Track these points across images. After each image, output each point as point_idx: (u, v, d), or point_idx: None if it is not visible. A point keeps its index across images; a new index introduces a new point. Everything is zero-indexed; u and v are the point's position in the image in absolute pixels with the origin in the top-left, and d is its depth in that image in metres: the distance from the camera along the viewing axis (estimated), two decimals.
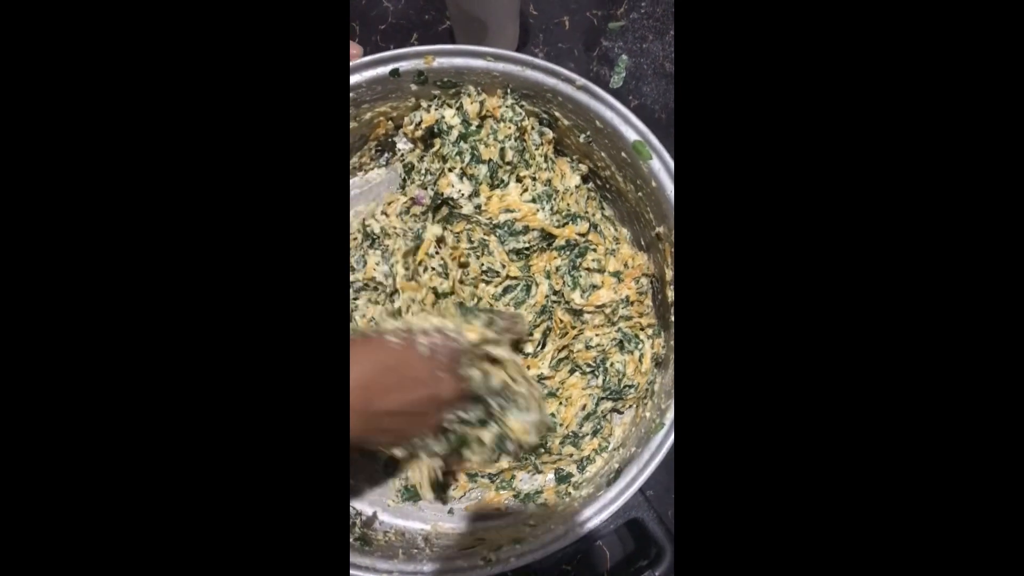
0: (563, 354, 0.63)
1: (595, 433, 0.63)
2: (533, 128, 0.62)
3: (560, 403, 0.62)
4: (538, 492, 0.62)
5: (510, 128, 0.61)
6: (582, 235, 0.62)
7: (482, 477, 0.63)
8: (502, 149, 0.61)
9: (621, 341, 0.62)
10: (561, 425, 0.62)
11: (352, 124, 0.63)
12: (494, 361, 0.50)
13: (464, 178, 0.61)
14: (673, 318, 0.60)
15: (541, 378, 0.62)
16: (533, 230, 0.62)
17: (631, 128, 0.56)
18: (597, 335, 0.62)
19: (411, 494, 0.62)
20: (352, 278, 0.63)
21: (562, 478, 0.62)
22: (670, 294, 0.60)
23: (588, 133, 0.60)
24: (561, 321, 0.63)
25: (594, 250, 0.63)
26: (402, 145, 0.68)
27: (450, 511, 0.62)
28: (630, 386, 0.62)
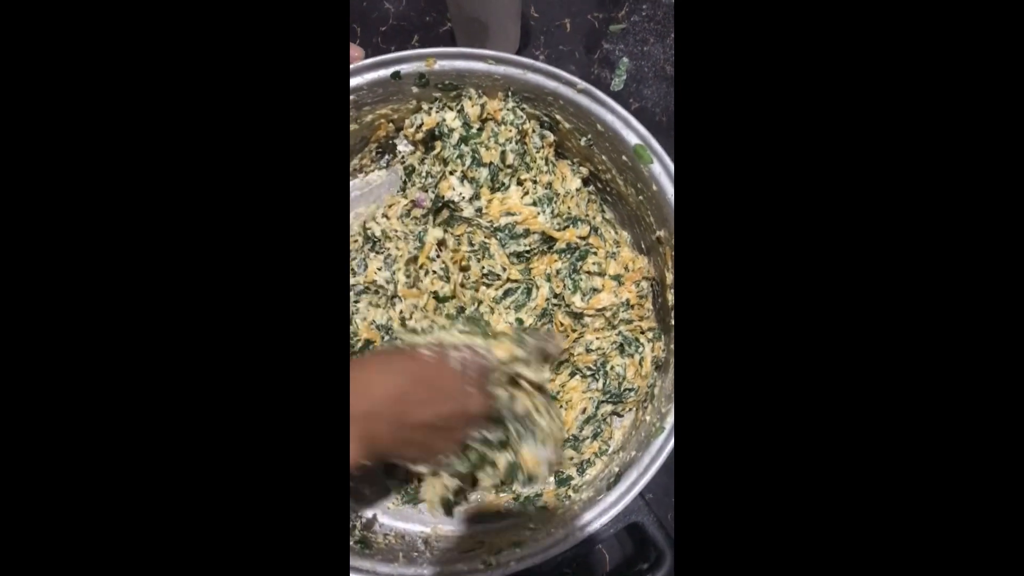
0: (563, 357, 0.63)
1: (595, 436, 0.63)
2: (534, 131, 0.62)
3: (560, 406, 0.62)
4: (538, 495, 0.61)
5: (511, 131, 0.61)
6: (583, 238, 0.62)
7: None
8: (503, 152, 0.61)
9: (621, 344, 0.62)
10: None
11: (353, 126, 0.63)
12: (520, 386, 0.50)
13: (465, 181, 0.61)
14: (673, 322, 0.60)
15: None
16: (534, 233, 0.62)
17: (632, 132, 0.56)
18: (597, 338, 0.62)
19: (411, 497, 0.62)
20: (353, 281, 0.63)
21: (562, 481, 0.62)
22: (670, 298, 0.60)
23: (589, 136, 0.60)
24: (562, 324, 0.62)
25: (595, 253, 0.63)
26: (403, 147, 0.68)
27: None
28: (630, 389, 0.62)
